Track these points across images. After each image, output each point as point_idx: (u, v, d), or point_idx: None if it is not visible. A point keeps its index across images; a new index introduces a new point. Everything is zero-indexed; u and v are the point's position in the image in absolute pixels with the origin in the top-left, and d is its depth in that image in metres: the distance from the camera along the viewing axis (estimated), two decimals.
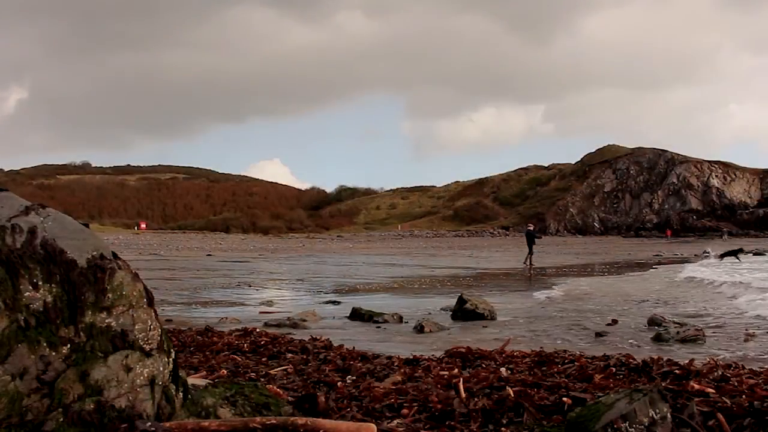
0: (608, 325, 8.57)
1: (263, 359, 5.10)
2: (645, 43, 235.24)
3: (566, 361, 4.60)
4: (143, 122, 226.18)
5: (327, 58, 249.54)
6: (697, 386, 3.25)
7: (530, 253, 25.30)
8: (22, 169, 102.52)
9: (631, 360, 4.36)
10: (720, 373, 3.75)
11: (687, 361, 4.08)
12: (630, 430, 2.59)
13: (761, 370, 4.10)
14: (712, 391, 3.21)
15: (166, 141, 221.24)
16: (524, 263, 24.70)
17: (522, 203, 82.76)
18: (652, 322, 8.46)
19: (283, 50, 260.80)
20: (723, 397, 3.08)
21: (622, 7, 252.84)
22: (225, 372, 4.30)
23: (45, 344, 2.17)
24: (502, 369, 4.16)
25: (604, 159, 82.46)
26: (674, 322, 8.14)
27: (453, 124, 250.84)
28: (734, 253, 18.90)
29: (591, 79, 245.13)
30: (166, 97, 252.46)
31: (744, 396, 3.13)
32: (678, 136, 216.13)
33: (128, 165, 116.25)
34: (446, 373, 4.09)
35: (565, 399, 3.19)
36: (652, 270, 22.71)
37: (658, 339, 7.33)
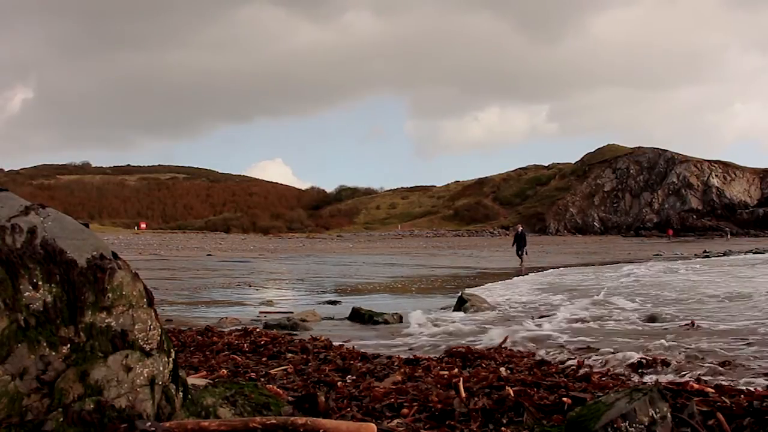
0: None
1: (263, 359, 5.11)
2: (651, 43, 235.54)
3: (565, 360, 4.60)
4: (145, 122, 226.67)
5: (333, 58, 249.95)
6: (696, 386, 3.25)
7: (525, 253, 25.63)
8: (22, 169, 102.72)
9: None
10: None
11: (686, 361, 4.08)
12: (630, 429, 2.59)
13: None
14: (712, 390, 3.21)
15: (169, 141, 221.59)
16: (521, 265, 24.88)
17: (522, 203, 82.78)
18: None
19: (289, 50, 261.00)
20: (722, 397, 3.08)
21: (629, 6, 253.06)
22: (225, 372, 4.30)
23: (45, 344, 2.17)
24: (502, 368, 4.16)
25: (604, 158, 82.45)
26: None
27: (456, 124, 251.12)
28: None
29: (597, 78, 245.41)
30: (170, 97, 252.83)
31: (743, 395, 3.13)
32: (683, 135, 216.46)
33: (128, 165, 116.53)
34: (446, 372, 4.09)
35: (564, 399, 3.19)
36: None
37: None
